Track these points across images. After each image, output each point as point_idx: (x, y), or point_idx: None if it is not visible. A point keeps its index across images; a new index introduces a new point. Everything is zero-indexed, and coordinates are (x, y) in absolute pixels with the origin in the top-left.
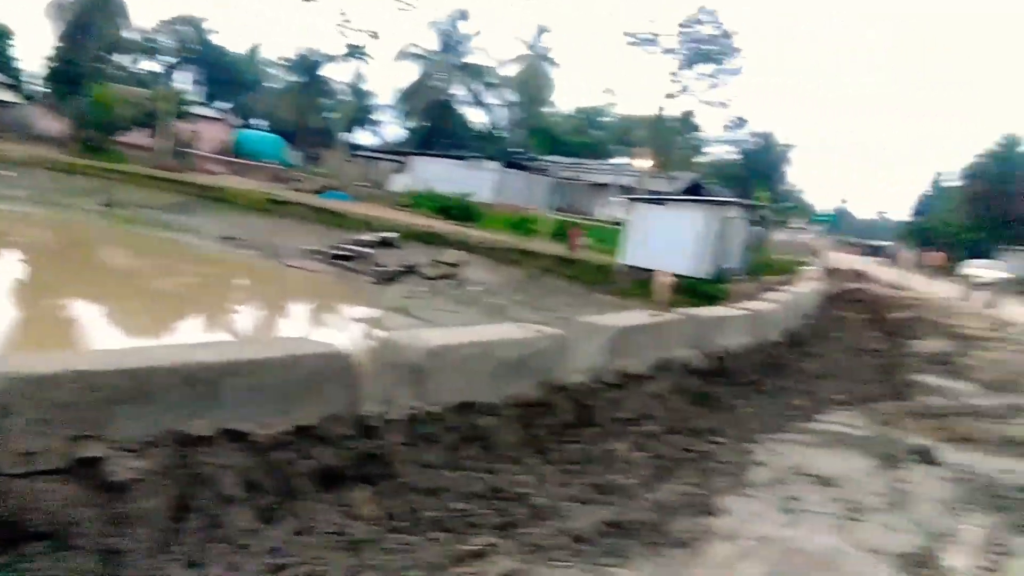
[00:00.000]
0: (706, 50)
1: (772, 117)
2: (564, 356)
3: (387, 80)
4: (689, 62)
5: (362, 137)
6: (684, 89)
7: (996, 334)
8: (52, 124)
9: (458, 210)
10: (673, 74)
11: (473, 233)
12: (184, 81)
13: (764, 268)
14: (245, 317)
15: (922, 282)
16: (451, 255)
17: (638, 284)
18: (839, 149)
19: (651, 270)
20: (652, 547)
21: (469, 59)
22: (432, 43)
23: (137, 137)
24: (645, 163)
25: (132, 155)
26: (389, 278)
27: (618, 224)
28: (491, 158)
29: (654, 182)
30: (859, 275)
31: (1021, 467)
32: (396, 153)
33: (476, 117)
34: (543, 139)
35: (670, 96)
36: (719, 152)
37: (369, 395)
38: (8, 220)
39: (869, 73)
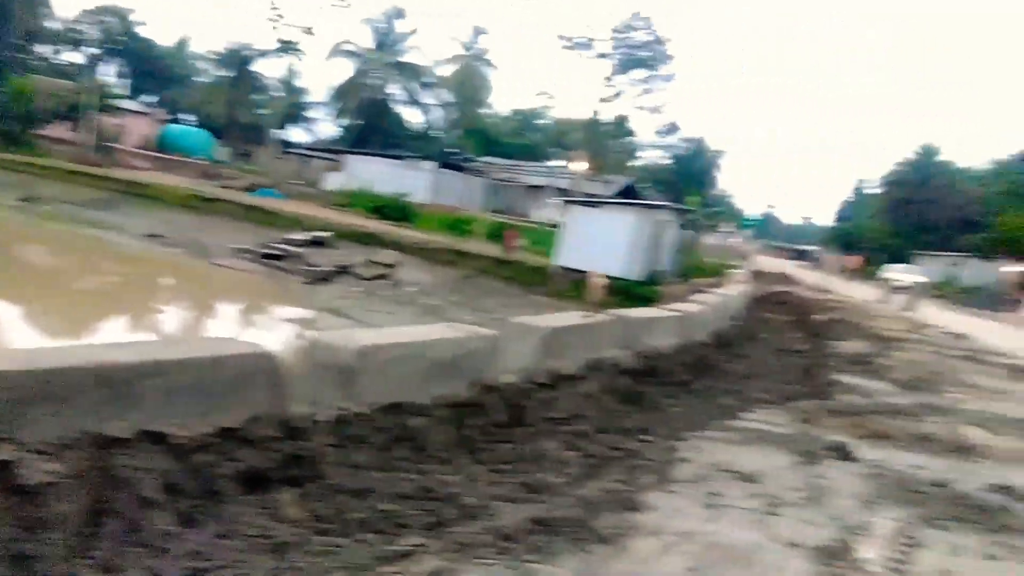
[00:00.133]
0: (640, 56)
1: (704, 123)
2: (496, 356)
3: (321, 77)
4: (623, 67)
5: (295, 134)
6: (618, 94)
7: (913, 335)
8: None
9: (393, 210)
10: (608, 79)
11: (408, 233)
12: (108, 73)
13: (694, 271)
14: (170, 317)
15: (844, 285)
16: (386, 255)
17: (573, 286)
18: (768, 156)
19: (586, 272)
20: (577, 543)
21: (405, 58)
22: (367, 41)
23: (58, 130)
24: (580, 166)
25: (53, 149)
26: (322, 278)
27: (554, 226)
28: (427, 158)
29: (589, 185)
30: (785, 278)
31: (933, 463)
32: (330, 151)
33: (412, 117)
34: (480, 140)
35: (604, 100)
36: (653, 157)
37: (296, 396)
38: None
39: (795, 83)
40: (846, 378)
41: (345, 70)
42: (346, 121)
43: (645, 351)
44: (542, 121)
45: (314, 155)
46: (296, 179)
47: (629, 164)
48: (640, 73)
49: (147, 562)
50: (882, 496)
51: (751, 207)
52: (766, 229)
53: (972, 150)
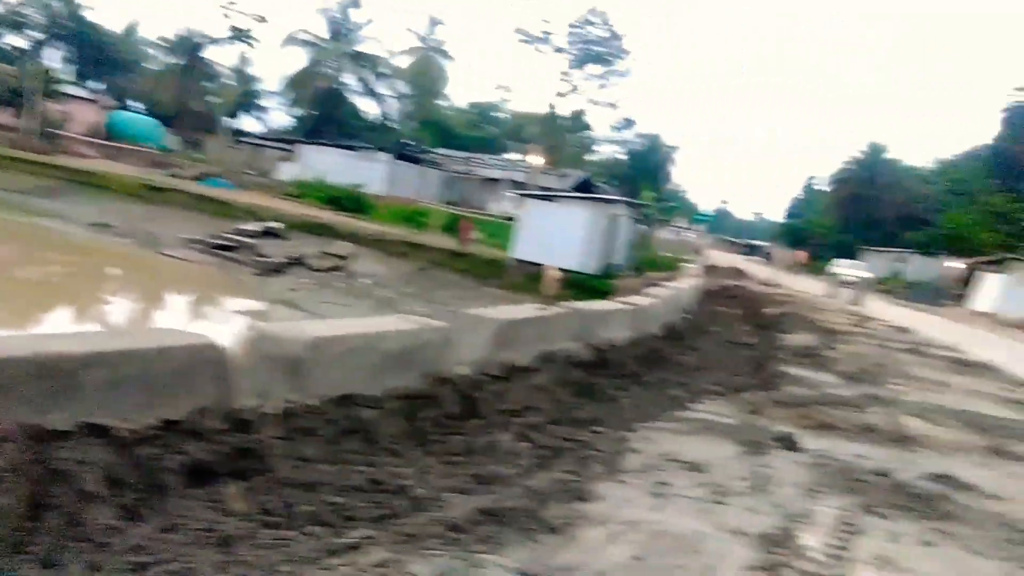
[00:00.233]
0: (596, 51)
1: (659, 119)
2: (449, 348)
3: (275, 66)
4: (580, 62)
5: (247, 124)
6: (574, 89)
7: (858, 329)
8: None
9: (348, 201)
10: (564, 73)
11: (363, 225)
12: (54, 59)
13: (649, 265)
14: (117, 309)
15: (793, 280)
16: (340, 247)
17: (529, 279)
18: (721, 152)
19: (541, 265)
20: (526, 533)
21: (361, 48)
22: (322, 30)
23: (0, 116)
24: (537, 160)
25: None
26: (274, 270)
27: (510, 219)
28: (383, 149)
29: (545, 179)
30: (736, 272)
31: (875, 452)
32: (284, 141)
33: (368, 107)
34: (436, 132)
35: (561, 95)
36: (608, 151)
37: (244, 388)
38: None
39: (750, 82)
40: (793, 370)
41: (299, 59)
42: (300, 111)
43: (598, 343)
44: (499, 114)
45: (267, 145)
46: (248, 169)
47: (585, 158)
48: (596, 68)
49: (88, 557)
50: (825, 485)
51: (705, 202)
52: (719, 224)
53: (918, 149)
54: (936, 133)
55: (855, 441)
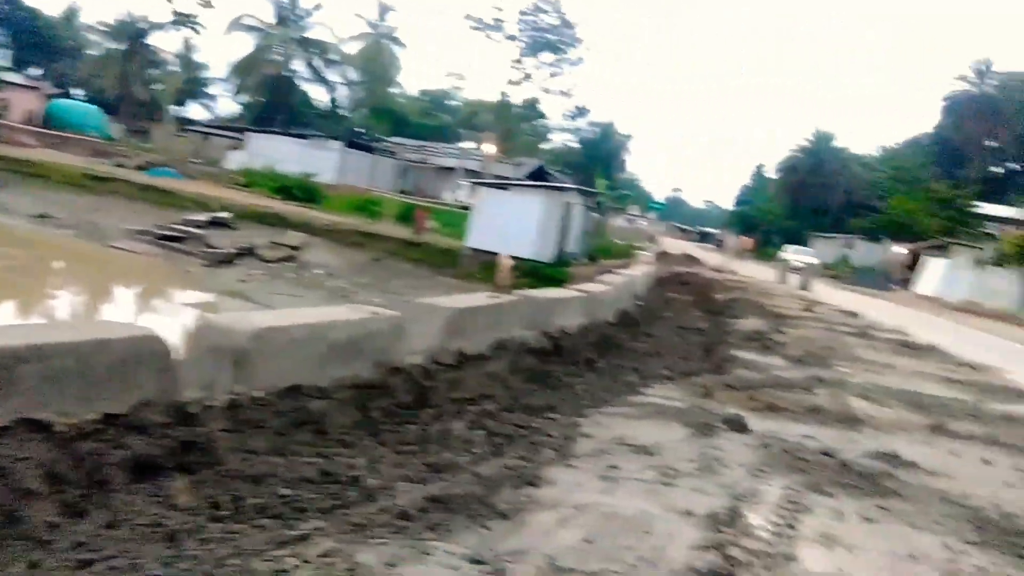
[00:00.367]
0: (548, 39)
1: (613, 108)
2: (400, 338)
3: (221, 52)
4: (532, 50)
5: (194, 111)
6: (527, 77)
7: (807, 313)
8: None
9: (299, 190)
10: (517, 61)
11: (315, 215)
12: None
13: (603, 252)
14: (60, 303)
15: (742, 266)
16: (292, 237)
17: (483, 268)
18: (675, 140)
19: (496, 254)
20: (476, 520)
21: (309, 34)
22: (269, 15)
23: None
24: (491, 148)
25: None
26: (224, 261)
27: (466, 208)
28: (334, 138)
29: (500, 167)
30: (689, 259)
31: (821, 433)
32: (231, 129)
33: (318, 95)
34: (388, 120)
35: (513, 83)
36: (562, 140)
37: (188, 381)
38: None
39: (703, 70)
40: (743, 354)
41: (246, 45)
42: (247, 98)
43: (552, 331)
44: (452, 102)
45: (214, 133)
46: (195, 158)
47: (539, 147)
48: (549, 56)
49: (29, 555)
50: (772, 465)
51: (658, 190)
52: (672, 212)
53: (864, 137)
54: (881, 122)
55: (802, 422)
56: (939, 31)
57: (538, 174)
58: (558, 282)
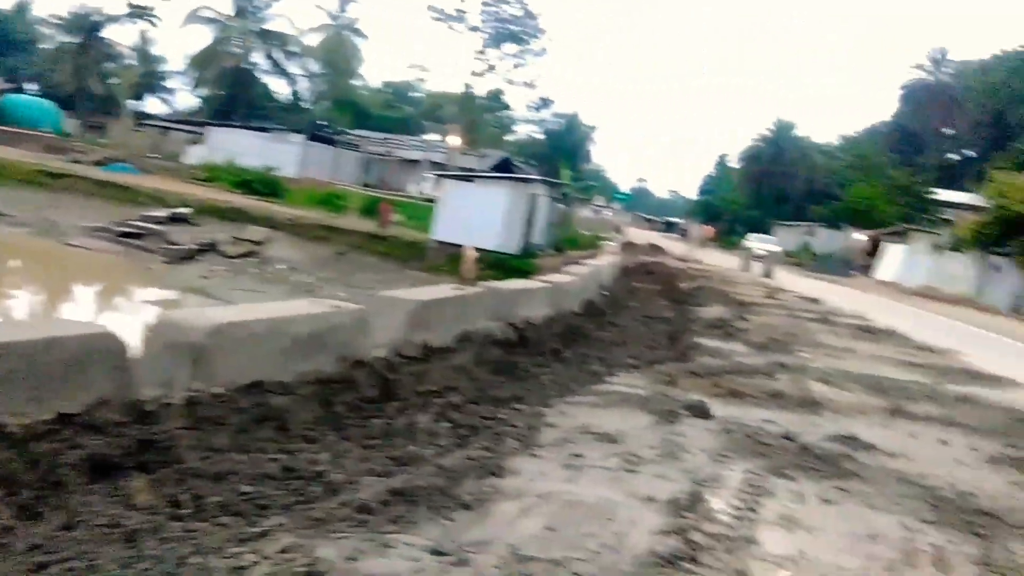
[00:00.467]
0: (511, 30)
1: (578, 100)
2: (364, 331)
3: (179, 45)
4: (495, 41)
5: (152, 105)
6: (491, 68)
7: (769, 300)
8: None
9: (261, 184)
10: (480, 52)
11: (278, 209)
12: None
13: (568, 243)
14: (15, 303)
15: (706, 254)
16: (254, 232)
17: (449, 260)
18: (640, 131)
19: (462, 246)
20: (439, 511)
21: (269, 26)
22: (227, 7)
23: None
24: (455, 140)
25: None
26: (185, 257)
27: (431, 201)
28: (296, 131)
29: (464, 159)
30: (654, 249)
31: (782, 417)
32: (191, 123)
33: (279, 87)
34: (351, 112)
35: (477, 74)
36: (527, 131)
37: (145, 378)
38: None
39: (666, 61)
40: (707, 341)
41: (204, 38)
42: (206, 91)
43: (517, 322)
44: (415, 94)
45: (173, 127)
46: (154, 153)
47: (504, 138)
48: (512, 47)
49: None
50: (734, 450)
51: (623, 181)
52: (637, 202)
53: (824, 126)
54: (840, 112)
55: (763, 407)
56: (898, 23)
57: (503, 166)
58: (524, 273)
